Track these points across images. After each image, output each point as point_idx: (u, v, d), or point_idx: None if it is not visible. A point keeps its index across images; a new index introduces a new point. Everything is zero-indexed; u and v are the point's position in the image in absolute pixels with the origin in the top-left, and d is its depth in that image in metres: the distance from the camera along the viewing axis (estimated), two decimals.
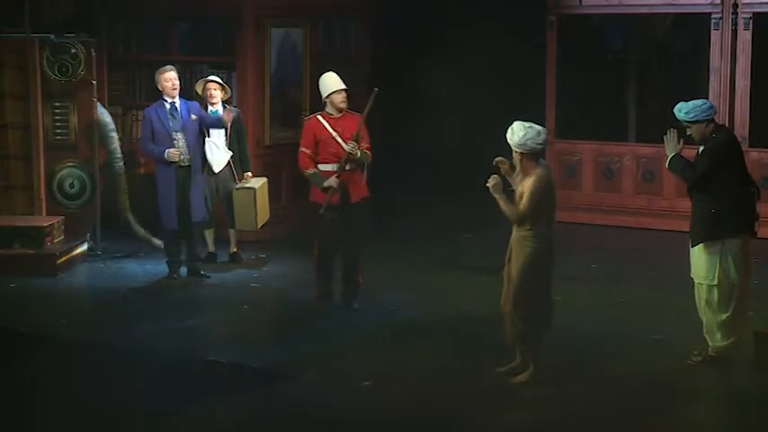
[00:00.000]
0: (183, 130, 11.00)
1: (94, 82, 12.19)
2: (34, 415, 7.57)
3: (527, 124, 7.98)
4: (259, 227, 11.84)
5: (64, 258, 11.50)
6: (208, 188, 11.50)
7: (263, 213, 11.83)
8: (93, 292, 11.08)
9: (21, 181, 12.22)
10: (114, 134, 12.52)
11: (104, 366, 8.55)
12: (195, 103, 11.26)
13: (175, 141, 10.95)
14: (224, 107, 11.61)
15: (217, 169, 11.56)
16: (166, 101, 11.03)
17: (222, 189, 11.62)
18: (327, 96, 9.93)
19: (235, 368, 8.51)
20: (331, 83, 9.97)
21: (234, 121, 11.67)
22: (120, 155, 12.48)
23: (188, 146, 11.00)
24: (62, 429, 7.39)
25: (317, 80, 10.24)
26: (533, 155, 7.94)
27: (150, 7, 13.22)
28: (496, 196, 7.97)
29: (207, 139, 11.45)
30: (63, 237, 11.85)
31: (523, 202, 7.90)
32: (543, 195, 7.92)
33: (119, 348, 8.99)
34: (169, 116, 10.99)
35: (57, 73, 12.05)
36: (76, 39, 12.13)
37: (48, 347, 9.06)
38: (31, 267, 11.24)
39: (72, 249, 11.75)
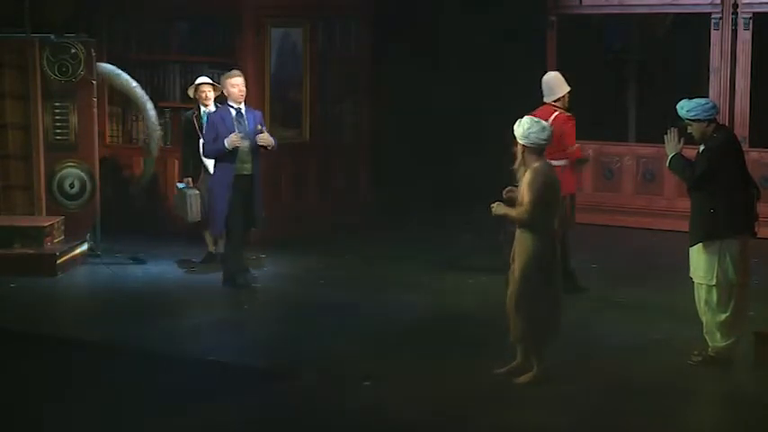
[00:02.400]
0: (249, 139, 10.68)
1: (94, 82, 12.19)
2: (34, 415, 7.56)
3: (535, 119, 8.12)
4: None
5: (64, 258, 11.50)
6: (204, 189, 11.55)
7: None
8: (93, 292, 11.08)
9: (21, 181, 12.23)
10: (139, 90, 12.53)
11: (104, 366, 8.55)
12: (259, 113, 11.05)
13: (240, 149, 10.63)
14: (216, 106, 11.65)
15: (212, 170, 11.58)
16: (232, 106, 10.76)
17: None
18: (563, 95, 10.41)
19: (235, 368, 8.51)
20: (564, 82, 10.45)
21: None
22: (154, 112, 12.52)
23: (252, 155, 10.72)
24: (62, 429, 7.39)
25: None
26: (535, 150, 7.99)
27: (150, 7, 13.22)
28: (502, 212, 8.02)
29: (201, 141, 11.51)
30: (63, 237, 11.86)
31: (525, 201, 7.91)
32: (543, 190, 7.91)
33: (119, 348, 8.99)
34: (235, 122, 10.69)
35: (57, 73, 12.06)
36: (76, 39, 12.13)
37: (48, 347, 9.06)
38: (31, 267, 11.23)
39: (72, 249, 11.75)
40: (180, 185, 11.76)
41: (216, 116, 10.87)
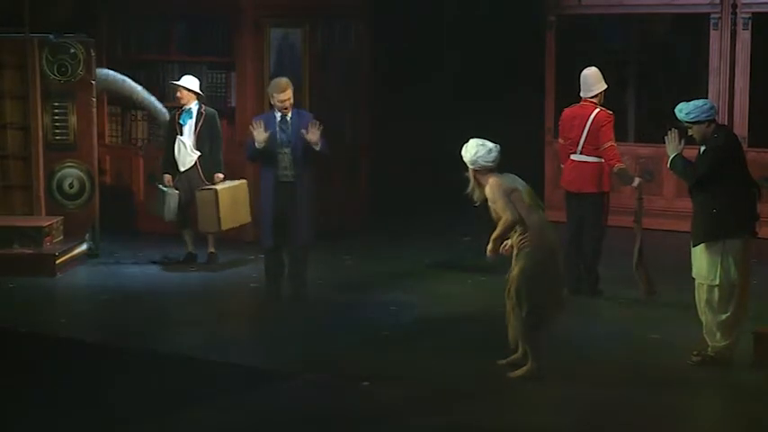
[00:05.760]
0: (292, 146, 10.17)
1: (94, 82, 12.20)
2: (34, 415, 7.55)
3: (480, 142, 8.18)
4: (224, 228, 11.44)
5: (63, 258, 11.50)
6: (180, 187, 11.55)
7: (234, 215, 11.48)
8: (93, 292, 11.07)
9: (20, 181, 12.23)
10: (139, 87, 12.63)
11: (104, 366, 8.55)
12: (308, 116, 10.46)
13: (281, 156, 10.20)
14: (199, 106, 11.65)
15: (182, 168, 11.60)
16: (277, 114, 10.27)
17: (195, 189, 11.57)
18: (600, 92, 10.42)
19: (235, 368, 8.51)
20: (601, 79, 10.47)
21: (204, 121, 11.65)
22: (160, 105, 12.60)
23: (294, 162, 10.19)
24: (62, 430, 7.38)
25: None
26: (485, 171, 8.12)
27: (150, 7, 13.21)
28: (495, 238, 8.11)
29: (177, 137, 11.51)
30: (62, 237, 11.85)
31: (500, 210, 8.01)
32: (509, 191, 8.01)
33: (118, 348, 8.99)
34: (279, 129, 10.21)
35: (56, 73, 12.06)
36: (76, 39, 12.14)
37: (48, 347, 9.06)
38: (30, 267, 11.23)
39: (71, 249, 11.75)
40: (160, 185, 11.74)
41: (261, 120, 10.38)
